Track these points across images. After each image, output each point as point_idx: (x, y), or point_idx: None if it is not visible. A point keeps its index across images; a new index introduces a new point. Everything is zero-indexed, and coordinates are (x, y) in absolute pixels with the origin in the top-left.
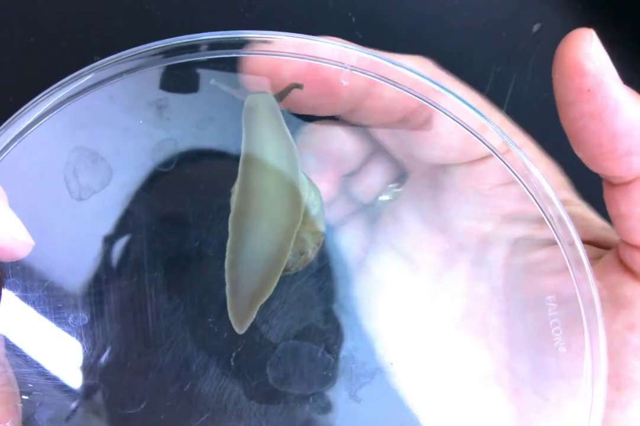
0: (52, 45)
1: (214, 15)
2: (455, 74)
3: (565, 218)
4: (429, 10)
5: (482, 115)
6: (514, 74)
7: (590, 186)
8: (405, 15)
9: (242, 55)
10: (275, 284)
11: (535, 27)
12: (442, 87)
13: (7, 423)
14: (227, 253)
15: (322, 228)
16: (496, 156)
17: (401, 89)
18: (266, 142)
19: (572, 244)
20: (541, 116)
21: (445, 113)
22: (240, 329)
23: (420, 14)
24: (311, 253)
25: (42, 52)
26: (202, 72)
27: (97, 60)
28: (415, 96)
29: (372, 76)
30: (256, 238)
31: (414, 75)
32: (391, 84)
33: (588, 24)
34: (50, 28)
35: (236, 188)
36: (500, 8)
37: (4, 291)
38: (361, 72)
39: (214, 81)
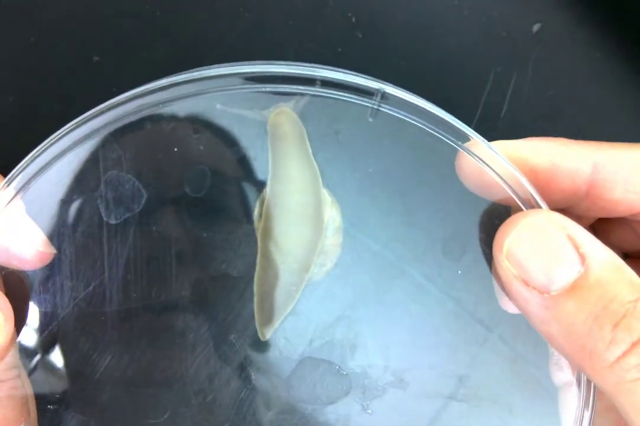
0: (52, 45)
1: (213, 15)
2: (455, 74)
3: None
4: (429, 10)
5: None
6: (514, 74)
7: None
8: (405, 15)
9: (276, 89)
10: (299, 295)
11: (535, 27)
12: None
13: (21, 425)
14: (257, 268)
15: (340, 240)
16: None
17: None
18: (292, 167)
19: None
20: (541, 116)
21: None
22: (264, 337)
23: (420, 14)
24: (330, 265)
25: (42, 52)
26: (235, 104)
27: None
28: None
29: (400, 114)
30: (282, 254)
31: (442, 114)
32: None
33: (588, 24)
34: (50, 28)
35: (264, 209)
36: (500, 8)
37: (32, 305)
38: (388, 110)
39: (220, 105)
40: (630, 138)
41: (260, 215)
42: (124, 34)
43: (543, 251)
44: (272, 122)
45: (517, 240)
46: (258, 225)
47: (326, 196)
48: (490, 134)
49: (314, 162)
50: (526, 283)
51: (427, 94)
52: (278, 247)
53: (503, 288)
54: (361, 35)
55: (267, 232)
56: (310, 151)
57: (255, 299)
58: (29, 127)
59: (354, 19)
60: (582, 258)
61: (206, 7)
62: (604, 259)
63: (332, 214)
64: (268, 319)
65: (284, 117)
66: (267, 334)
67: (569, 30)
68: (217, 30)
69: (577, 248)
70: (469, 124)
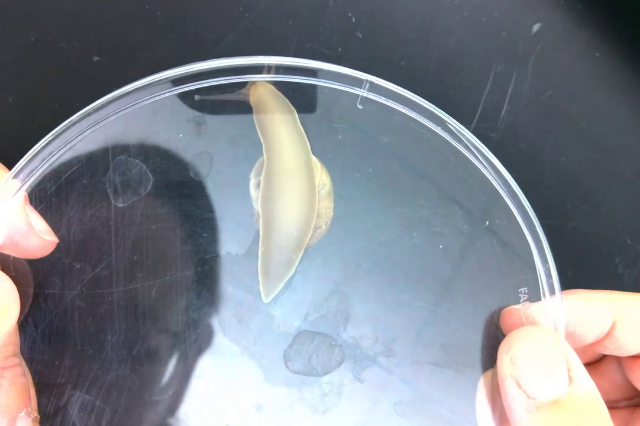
0: (52, 45)
1: (213, 15)
2: (455, 74)
3: None
4: (429, 10)
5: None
6: (514, 74)
7: (590, 184)
8: (405, 15)
9: (269, 78)
10: (300, 255)
11: (535, 27)
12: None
13: (22, 413)
14: (260, 232)
15: (332, 204)
16: None
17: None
18: (281, 135)
19: None
20: (541, 116)
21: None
22: (267, 299)
23: (420, 14)
24: (324, 227)
25: (42, 52)
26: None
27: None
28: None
29: (385, 101)
30: (283, 215)
31: (423, 102)
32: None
33: (588, 24)
34: (50, 28)
35: (261, 178)
36: (500, 8)
37: (39, 289)
38: (376, 97)
39: (198, 96)
40: (630, 138)
41: (257, 185)
42: (124, 34)
43: (541, 364)
44: (253, 97)
45: (523, 349)
46: (256, 194)
47: (315, 161)
48: (490, 134)
49: (301, 127)
50: (519, 385)
51: (427, 94)
52: (277, 212)
53: (500, 380)
54: (361, 35)
55: (266, 199)
56: (296, 116)
57: (259, 262)
58: (29, 127)
59: (354, 19)
60: (570, 380)
61: (206, 7)
62: (586, 387)
63: (322, 179)
64: (271, 282)
65: (262, 89)
66: (270, 297)
67: (569, 30)
68: (217, 30)
69: (569, 370)
70: (469, 124)
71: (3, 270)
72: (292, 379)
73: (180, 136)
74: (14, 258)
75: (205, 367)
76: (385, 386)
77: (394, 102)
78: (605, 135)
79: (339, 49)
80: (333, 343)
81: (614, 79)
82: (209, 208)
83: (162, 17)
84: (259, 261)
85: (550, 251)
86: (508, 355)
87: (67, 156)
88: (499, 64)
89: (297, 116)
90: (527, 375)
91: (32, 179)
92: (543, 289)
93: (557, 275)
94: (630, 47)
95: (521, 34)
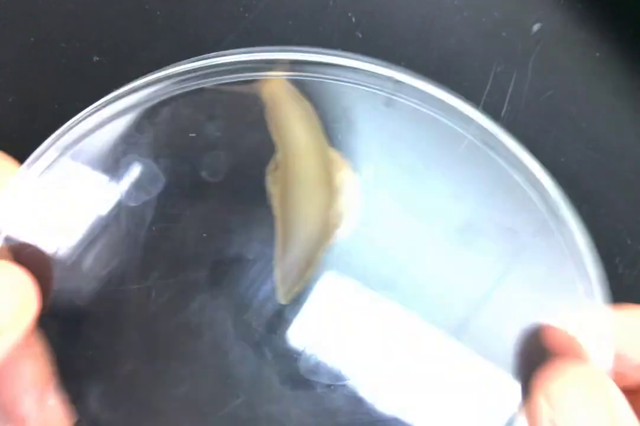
0: (52, 45)
1: (213, 15)
2: (455, 74)
3: None
4: (429, 10)
5: None
6: (514, 74)
7: (590, 184)
8: (405, 15)
9: (293, 77)
10: (321, 258)
11: (535, 27)
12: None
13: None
14: (278, 232)
15: (357, 200)
16: None
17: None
18: (295, 130)
19: None
20: (541, 116)
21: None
22: (284, 301)
23: (420, 14)
24: (348, 225)
25: (42, 52)
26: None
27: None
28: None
29: (413, 102)
30: (303, 214)
31: (453, 100)
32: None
33: (588, 24)
34: (50, 28)
35: (278, 175)
36: (500, 8)
37: (54, 284)
38: (403, 98)
39: (209, 92)
40: (630, 138)
41: (274, 181)
42: (124, 34)
43: (581, 408)
44: (266, 91)
45: (562, 388)
46: (274, 191)
47: (336, 156)
48: None
49: (317, 121)
50: None
51: None
52: (296, 211)
53: (528, 417)
54: (361, 35)
55: (284, 198)
56: (310, 110)
57: (277, 264)
58: (29, 127)
59: (354, 19)
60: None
61: (206, 7)
62: None
63: (345, 175)
64: (289, 284)
65: (275, 84)
66: (288, 297)
67: (569, 30)
68: (217, 30)
69: (611, 412)
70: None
71: (21, 264)
72: (306, 384)
73: (193, 135)
74: (32, 249)
75: (218, 368)
76: (404, 404)
77: (421, 102)
78: (605, 135)
79: (339, 49)
80: (349, 352)
81: (614, 79)
82: (222, 210)
83: (162, 17)
84: (277, 263)
85: (598, 262)
86: (544, 394)
87: (75, 155)
88: (499, 64)
89: (311, 109)
90: (565, 419)
91: (40, 178)
92: (588, 304)
93: (604, 289)
94: (630, 47)
95: (521, 34)
